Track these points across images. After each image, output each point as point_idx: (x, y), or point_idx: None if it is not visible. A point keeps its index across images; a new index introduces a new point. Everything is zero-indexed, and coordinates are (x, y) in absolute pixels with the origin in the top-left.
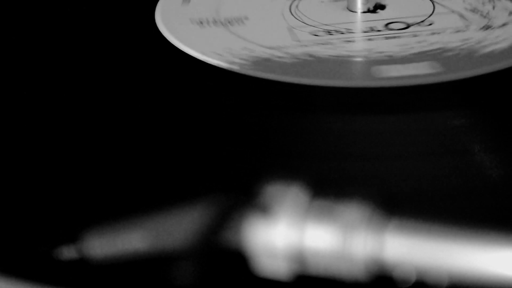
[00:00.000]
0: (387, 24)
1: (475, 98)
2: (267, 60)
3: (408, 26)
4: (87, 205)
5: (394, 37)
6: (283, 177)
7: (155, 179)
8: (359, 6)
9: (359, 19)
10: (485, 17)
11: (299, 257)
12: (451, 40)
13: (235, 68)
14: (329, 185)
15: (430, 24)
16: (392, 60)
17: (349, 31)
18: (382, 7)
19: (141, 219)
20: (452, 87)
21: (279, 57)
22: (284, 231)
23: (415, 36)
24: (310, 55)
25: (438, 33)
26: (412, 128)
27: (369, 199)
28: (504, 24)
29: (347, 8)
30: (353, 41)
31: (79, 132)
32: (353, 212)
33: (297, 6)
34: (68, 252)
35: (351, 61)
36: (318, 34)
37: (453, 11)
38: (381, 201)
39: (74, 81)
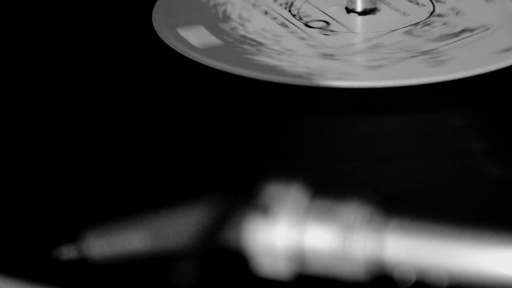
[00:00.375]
0: (317, 20)
1: (475, 98)
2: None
3: (317, 28)
4: (87, 205)
5: (283, 25)
6: (283, 177)
7: (155, 179)
8: (359, 6)
9: (324, 10)
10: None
11: (299, 257)
12: (275, 47)
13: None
14: (329, 185)
15: (326, 35)
16: (220, 31)
17: (291, 10)
18: (366, 12)
19: (141, 219)
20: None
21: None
22: (284, 231)
23: (291, 32)
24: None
25: (303, 38)
26: (412, 128)
27: (369, 199)
28: (327, 55)
29: (346, 7)
30: (258, 6)
31: (78, 132)
32: (353, 212)
33: None
34: (68, 252)
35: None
36: (268, 12)
37: (375, 46)
38: (381, 201)
39: (74, 81)
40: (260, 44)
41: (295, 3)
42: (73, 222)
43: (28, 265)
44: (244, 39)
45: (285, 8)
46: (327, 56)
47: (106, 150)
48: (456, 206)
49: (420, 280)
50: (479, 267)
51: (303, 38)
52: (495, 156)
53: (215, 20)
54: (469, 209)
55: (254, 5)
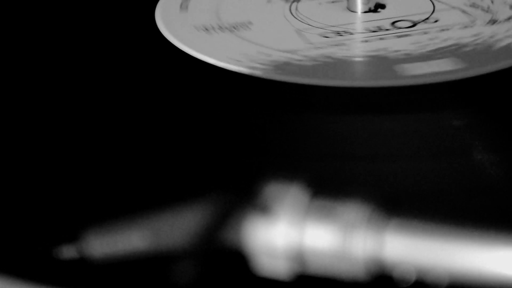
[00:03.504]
0: (393, 23)
1: (484, 96)
2: (286, 63)
3: (414, 24)
4: (87, 205)
5: (405, 35)
6: (283, 176)
7: (155, 179)
8: (360, 6)
9: (363, 19)
10: (487, 11)
11: (299, 256)
12: (462, 36)
13: (257, 73)
14: (329, 184)
15: (436, 21)
16: (411, 58)
17: (358, 32)
18: (383, 6)
19: (141, 219)
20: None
21: (298, 60)
22: (284, 231)
23: (425, 33)
24: (328, 57)
25: (447, 29)
26: (413, 128)
27: (369, 199)
28: (509, 18)
29: (347, 8)
30: (365, 41)
31: (79, 132)
32: (353, 211)
33: (296, 8)
34: (68, 252)
35: (371, 61)
36: (328, 36)
37: (453, 7)
38: (381, 201)
39: (75, 81)
40: (439, 49)
41: (323, 28)
42: (73, 222)
43: (28, 265)
44: (413, 55)
45: (350, 33)
46: (492, 21)
47: (107, 150)
48: (456, 205)
49: (420, 279)
50: (479, 267)
51: (428, 35)
52: (495, 156)
53: (356, 62)
54: (469, 208)
55: (316, 47)
